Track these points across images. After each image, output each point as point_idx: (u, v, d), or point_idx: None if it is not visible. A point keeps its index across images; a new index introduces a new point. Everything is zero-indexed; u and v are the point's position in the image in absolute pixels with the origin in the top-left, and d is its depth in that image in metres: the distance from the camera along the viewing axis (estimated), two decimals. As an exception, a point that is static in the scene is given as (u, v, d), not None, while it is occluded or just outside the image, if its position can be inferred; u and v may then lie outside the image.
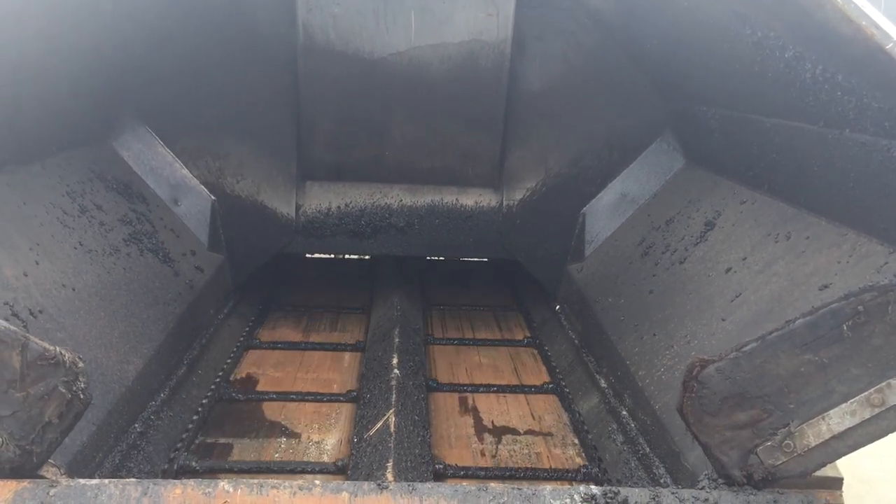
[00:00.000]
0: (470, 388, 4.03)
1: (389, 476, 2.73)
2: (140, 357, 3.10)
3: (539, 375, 4.24)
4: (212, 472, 3.08)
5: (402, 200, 4.71)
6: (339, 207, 4.67)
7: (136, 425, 2.94)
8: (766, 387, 2.02)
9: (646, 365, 3.22)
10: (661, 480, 2.72)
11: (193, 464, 3.08)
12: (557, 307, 4.74)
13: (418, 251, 4.76)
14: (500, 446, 3.46)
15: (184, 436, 3.26)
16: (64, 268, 3.06)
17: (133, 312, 3.28)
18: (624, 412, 3.27)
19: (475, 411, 3.79)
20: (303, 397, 3.80)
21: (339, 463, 3.16)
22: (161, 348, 3.32)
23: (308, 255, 6.43)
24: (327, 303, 5.31)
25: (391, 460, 2.82)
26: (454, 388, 4.02)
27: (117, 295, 3.26)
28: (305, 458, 3.24)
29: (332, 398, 3.81)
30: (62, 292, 2.91)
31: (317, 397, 3.80)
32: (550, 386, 4.08)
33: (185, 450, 3.17)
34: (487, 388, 4.02)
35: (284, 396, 3.79)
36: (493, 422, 3.69)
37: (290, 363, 4.26)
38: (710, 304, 3.15)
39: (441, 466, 3.16)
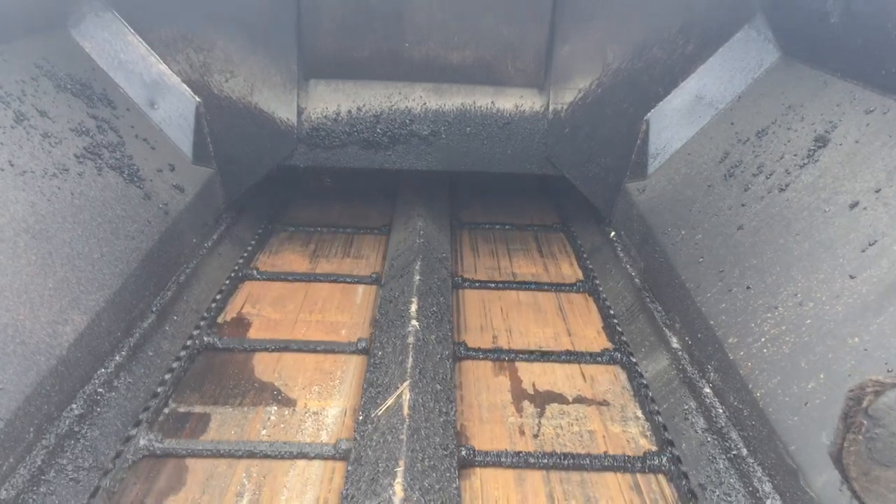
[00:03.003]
0: (506, 335, 3.32)
1: (398, 482, 2.05)
2: (83, 312, 2.41)
3: (590, 322, 3.50)
4: (177, 458, 2.44)
5: (425, 103, 3.88)
6: (349, 112, 3.85)
7: (74, 406, 2.27)
8: None
9: (738, 329, 2.45)
10: (767, 503, 2.00)
11: (155, 444, 2.44)
12: (612, 234, 3.95)
13: (445, 165, 3.96)
14: (542, 420, 2.77)
15: (150, 403, 2.61)
16: (-21, 198, 2.35)
17: (79, 252, 2.57)
18: (706, 389, 2.53)
19: (512, 371, 3.08)
20: (303, 347, 3.13)
21: (341, 447, 2.49)
22: (117, 297, 2.63)
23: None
24: (341, 221, 4.58)
25: (402, 459, 2.14)
26: (487, 342, 3.31)
27: (58, 230, 2.55)
28: (299, 437, 2.59)
29: (339, 349, 3.13)
30: (-29, 232, 2.21)
31: (320, 347, 3.12)
32: (605, 337, 3.36)
33: (147, 426, 2.53)
34: (527, 341, 3.31)
35: (281, 346, 3.12)
36: (534, 385, 2.98)
37: (292, 299, 3.58)
38: (831, 252, 2.35)
39: (468, 452, 2.48)
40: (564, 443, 2.63)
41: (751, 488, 2.10)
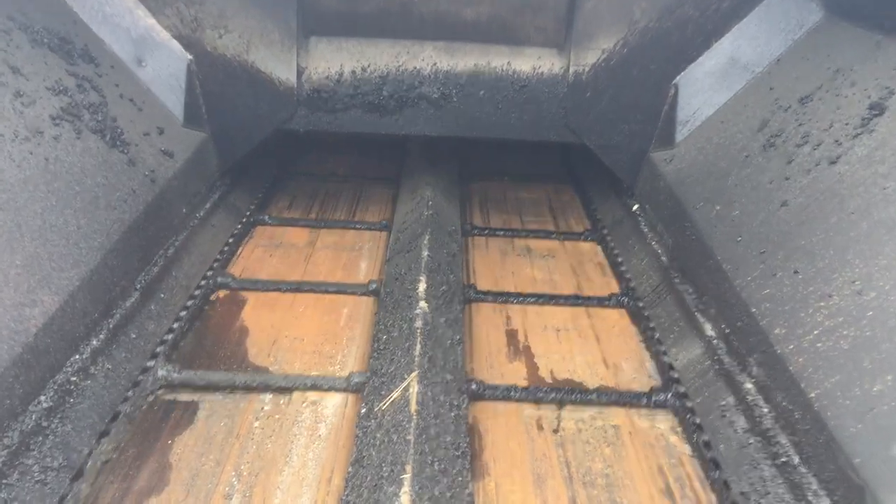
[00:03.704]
0: (520, 315, 3.07)
1: (405, 491, 1.81)
2: (54, 292, 2.16)
3: (611, 297, 3.25)
4: (159, 454, 2.20)
5: (436, 63, 3.58)
6: (353, 72, 3.56)
7: (42, 398, 2.03)
8: None
9: (785, 319, 2.19)
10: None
11: (131, 446, 2.20)
12: (635, 207, 3.67)
13: (456, 130, 3.67)
14: (562, 412, 2.52)
15: (128, 394, 2.37)
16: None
17: (52, 225, 2.31)
18: (748, 384, 2.28)
19: (528, 355, 2.83)
20: (298, 336, 2.85)
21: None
22: (95, 275, 2.37)
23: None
24: (344, 190, 4.31)
25: (409, 464, 1.90)
26: (500, 323, 3.06)
27: (28, 200, 2.28)
28: (294, 429, 2.34)
29: (330, 374, 2.76)
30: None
31: (315, 348, 2.84)
32: (629, 318, 3.11)
33: (126, 418, 2.29)
34: (543, 322, 3.06)
35: (278, 327, 2.87)
36: (552, 373, 2.74)
37: (292, 273, 3.32)
38: (893, 234, 2.08)
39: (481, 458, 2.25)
40: (587, 439, 2.39)
41: (804, 503, 1.86)
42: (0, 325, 1.92)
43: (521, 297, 3.18)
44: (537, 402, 2.55)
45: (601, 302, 3.19)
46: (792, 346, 2.09)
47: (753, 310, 2.33)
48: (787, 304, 2.22)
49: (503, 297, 3.18)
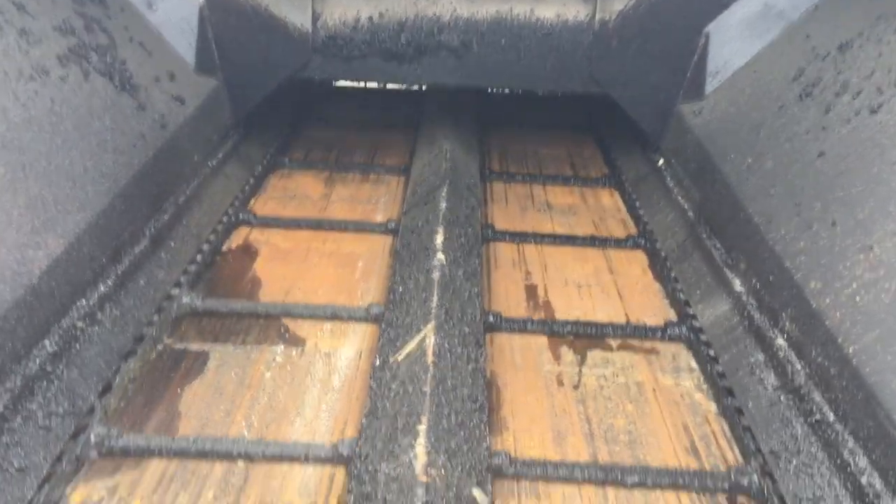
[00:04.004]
0: (541, 271, 2.99)
1: (421, 449, 1.74)
2: (60, 235, 2.09)
3: (634, 259, 3.15)
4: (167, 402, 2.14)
5: (455, 10, 3.44)
6: (370, 18, 3.43)
7: (47, 342, 1.96)
8: None
9: (822, 272, 2.08)
10: (867, 490, 1.66)
11: (140, 394, 2.13)
12: (661, 161, 3.55)
13: (477, 80, 3.55)
14: (583, 369, 2.44)
15: (136, 341, 2.30)
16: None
17: (57, 166, 2.23)
18: (779, 340, 2.18)
19: (548, 310, 2.75)
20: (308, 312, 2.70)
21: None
22: (102, 219, 2.29)
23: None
24: (360, 144, 4.21)
25: (426, 416, 1.82)
26: (519, 279, 2.98)
27: (32, 141, 2.20)
28: (307, 380, 2.27)
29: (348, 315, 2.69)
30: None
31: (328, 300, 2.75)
32: (652, 275, 3.01)
33: (134, 366, 2.23)
34: (564, 277, 2.97)
35: (289, 282, 2.79)
36: (574, 320, 2.65)
37: (305, 225, 3.24)
38: (941, 183, 1.96)
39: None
40: (609, 395, 2.30)
41: (839, 461, 1.77)
42: (2, 267, 1.85)
43: (540, 238, 3.11)
44: (557, 358, 2.47)
45: (619, 244, 3.15)
46: (829, 301, 1.99)
47: (787, 263, 2.22)
48: (824, 257, 2.11)
49: (521, 238, 3.12)
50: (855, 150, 2.31)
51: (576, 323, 2.60)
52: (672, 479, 1.94)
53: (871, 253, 1.98)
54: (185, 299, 2.54)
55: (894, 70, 2.42)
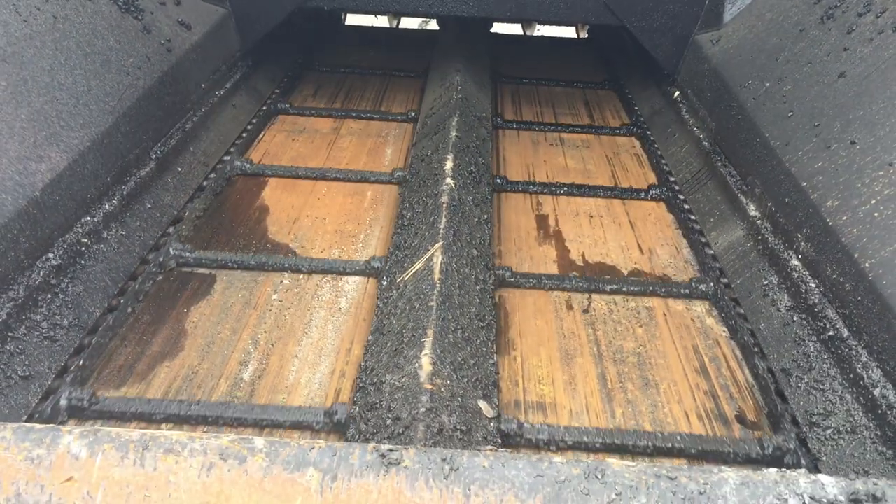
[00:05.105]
0: (549, 192, 2.94)
1: (426, 353, 1.72)
2: (63, 150, 2.06)
3: (646, 184, 3.09)
4: (177, 319, 2.13)
5: (469, -65, 3.35)
6: (380, -57, 3.35)
7: (51, 255, 1.95)
8: None
9: (839, 190, 2.03)
10: (880, 402, 1.63)
11: (146, 312, 2.12)
12: (676, 93, 3.47)
13: (489, 11, 3.46)
14: (593, 294, 2.41)
15: (142, 262, 2.29)
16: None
17: (60, 83, 2.19)
18: (794, 261, 2.13)
19: (559, 239, 2.71)
20: (319, 222, 2.72)
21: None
22: (106, 138, 2.26)
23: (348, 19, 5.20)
24: (371, 79, 4.15)
25: (431, 329, 1.80)
26: (528, 194, 2.94)
27: (34, 56, 2.16)
28: (314, 302, 2.25)
29: (351, 255, 2.68)
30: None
31: (337, 227, 2.73)
32: (664, 203, 2.96)
33: (141, 285, 2.21)
34: (575, 208, 2.92)
35: (298, 207, 2.76)
36: (583, 255, 2.61)
37: (314, 158, 3.19)
38: (967, 97, 1.89)
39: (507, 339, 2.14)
40: (619, 319, 2.27)
41: (851, 375, 1.74)
42: (4, 177, 1.83)
43: (553, 187, 3.03)
44: (566, 284, 2.44)
45: (636, 194, 3.03)
46: (846, 218, 1.94)
47: (804, 184, 2.16)
48: (842, 175, 2.05)
49: (534, 187, 3.03)
50: (877, 70, 2.24)
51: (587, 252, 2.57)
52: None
53: (892, 168, 1.92)
54: (176, 244, 2.47)
55: (921, -13, 2.34)
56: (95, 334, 1.97)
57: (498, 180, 3.01)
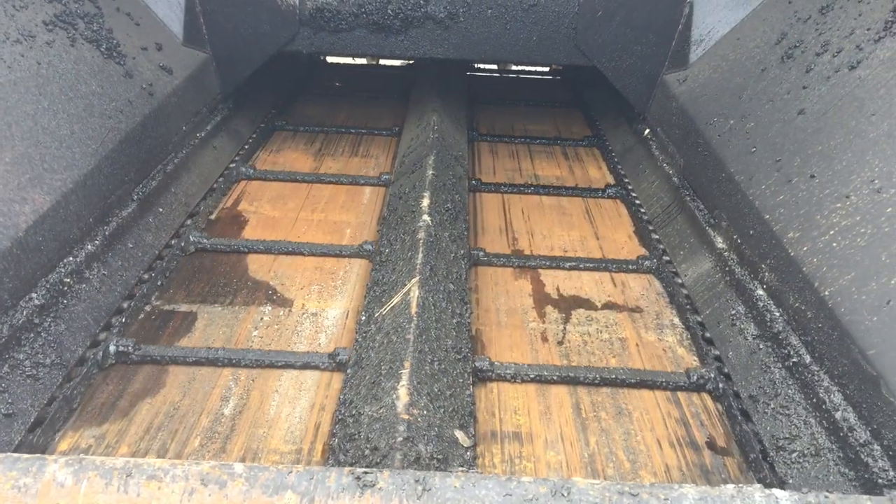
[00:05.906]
0: (527, 238, 3.01)
1: (403, 385, 1.76)
2: (47, 192, 2.10)
3: (620, 225, 3.18)
4: (153, 364, 2.16)
5: (442, -19, 3.47)
6: (357, -10, 3.46)
7: (34, 295, 1.98)
8: None
9: (800, 222, 2.11)
10: (841, 425, 1.69)
11: (129, 350, 2.15)
12: (647, 132, 3.58)
13: (463, 53, 3.57)
14: (568, 326, 2.47)
15: (126, 304, 2.32)
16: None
17: (44, 127, 2.24)
18: (759, 291, 2.20)
19: (535, 275, 2.77)
20: (300, 249, 2.80)
21: (339, 355, 2.19)
22: (89, 179, 2.31)
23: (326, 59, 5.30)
24: (350, 120, 4.23)
25: (408, 361, 1.85)
26: (506, 245, 3.01)
27: (18, 101, 2.22)
28: (292, 346, 2.29)
29: (340, 252, 2.81)
30: None
31: (320, 250, 2.81)
32: (636, 241, 3.04)
33: (123, 326, 2.25)
34: (550, 244, 3.00)
35: (277, 247, 2.81)
36: (558, 288, 2.68)
37: (293, 198, 3.26)
38: (916, 132, 1.99)
39: (484, 364, 2.18)
40: (593, 350, 2.33)
41: (815, 399, 1.80)
42: (-17, 220, 1.87)
43: (528, 208, 3.11)
44: (541, 315, 2.49)
45: (615, 232, 3.11)
46: (806, 248, 2.02)
47: (767, 216, 2.25)
48: (802, 207, 2.14)
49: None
50: (834, 106, 2.34)
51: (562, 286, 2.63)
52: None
53: (848, 201, 2.01)
54: (158, 282, 2.55)
55: (874, 27, 2.45)
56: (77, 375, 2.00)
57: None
